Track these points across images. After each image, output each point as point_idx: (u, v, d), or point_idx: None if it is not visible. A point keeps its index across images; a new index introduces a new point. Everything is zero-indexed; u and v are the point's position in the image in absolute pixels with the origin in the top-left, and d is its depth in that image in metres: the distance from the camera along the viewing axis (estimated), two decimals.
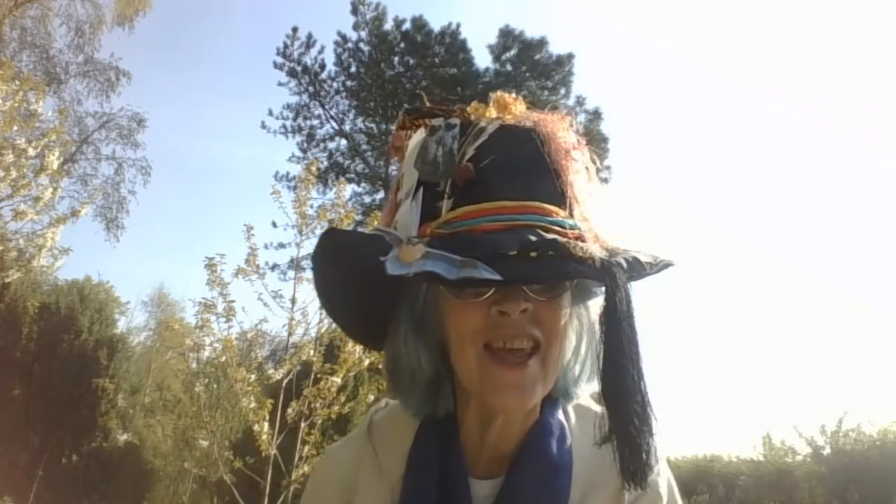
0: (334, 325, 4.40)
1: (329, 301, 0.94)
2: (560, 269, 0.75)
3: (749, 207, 34.95)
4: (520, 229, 0.76)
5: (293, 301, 6.08)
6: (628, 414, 0.76)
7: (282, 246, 14.02)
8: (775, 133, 34.64)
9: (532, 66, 19.00)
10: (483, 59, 19.43)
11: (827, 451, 13.31)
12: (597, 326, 0.86)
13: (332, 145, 20.35)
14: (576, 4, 33.69)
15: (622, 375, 0.76)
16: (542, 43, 19.02)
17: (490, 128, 0.84)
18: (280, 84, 19.66)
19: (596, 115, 18.61)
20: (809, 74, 34.63)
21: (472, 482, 0.86)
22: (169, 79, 38.61)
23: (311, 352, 6.05)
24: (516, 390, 0.79)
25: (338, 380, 5.81)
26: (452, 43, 19.16)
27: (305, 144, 19.96)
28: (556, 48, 19.13)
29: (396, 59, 19.55)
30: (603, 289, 0.81)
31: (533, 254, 0.74)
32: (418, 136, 0.87)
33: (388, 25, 19.35)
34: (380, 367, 3.62)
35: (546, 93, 18.44)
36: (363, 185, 20.19)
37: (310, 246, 6.10)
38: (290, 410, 5.78)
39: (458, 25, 19.15)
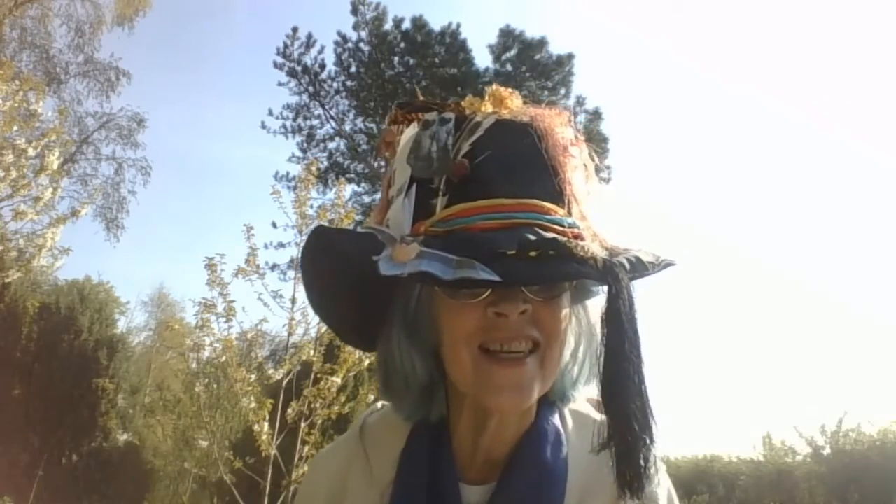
0: None
1: (318, 300, 0.91)
2: (561, 269, 0.73)
3: (748, 208, 34.98)
4: (518, 228, 0.74)
5: (293, 301, 6.07)
6: (627, 419, 0.73)
7: (282, 246, 13.98)
8: (775, 133, 34.68)
9: (532, 66, 18.99)
10: (483, 59, 19.44)
11: (827, 451, 13.31)
12: (596, 328, 0.83)
13: (332, 145, 20.35)
14: (576, 4, 33.71)
15: (623, 379, 0.73)
16: (542, 43, 19.02)
17: (486, 123, 0.81)
18: (280, 84, 19.67)
19: (596, 115, 18.61)
20: (809, 74, 34.66)
21: (464, 488, 0.83)
22: (169, 79, 38.68)
23: (311, 352, 6.04)
24: (513, 389, 0.77)
25: (338, 380, 5.80)
26: (452, 43, 19.14)
27: (305, 144, 19.97)
28: (556, 48, 19.13)
29: (396, 59, 19.53)
30: (601, 288, 0.79)
31: (532, 253, 0.71)
32: (411, 130, 0.84)
33: (388, 25, 19.34)
34: None
35: (546, 93, 18.39)
36: (363, 185, 20.18)
37: None
38: (290, 410, 5.77)
39: (458, 25, 19.15)
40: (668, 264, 0.81)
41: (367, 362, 5.88)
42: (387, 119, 0.89)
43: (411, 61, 19.41)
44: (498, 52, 19.16)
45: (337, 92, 20.06)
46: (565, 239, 0.74)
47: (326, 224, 6.19)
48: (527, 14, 40.12)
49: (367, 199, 19.33)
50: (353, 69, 19.77)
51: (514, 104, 0.85)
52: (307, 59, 19.58)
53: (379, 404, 0.99)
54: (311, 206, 6.69)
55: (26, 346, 13.27)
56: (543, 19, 40.89)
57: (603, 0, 32.78)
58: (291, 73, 19.55)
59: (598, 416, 0.86)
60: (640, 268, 0.77)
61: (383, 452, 0.89)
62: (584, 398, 0.91)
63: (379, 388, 0.90)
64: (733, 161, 36.24)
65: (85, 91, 18.57)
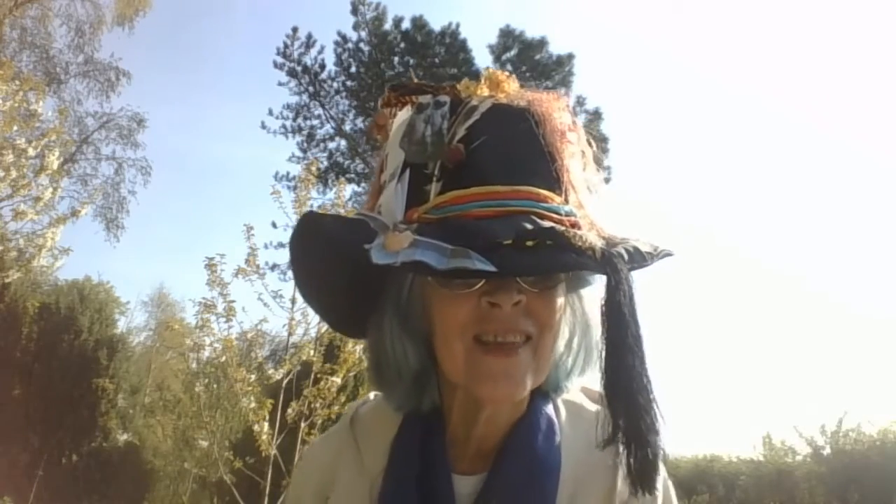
0: None
1: (307, 288, 0.90)
2: (559, 259, 0.71)
3: (748, 207, 34.94)
4: (514, 216, 0.72)
5: (293, 301, 6.04)
6: (636, 412, 0.70)
7: (282, 246, 13.98)
8: (775, 133, 34.65)
9: (532, 66, 18.98)
10: (483, 59, 19.42)
11: (827, 451, 13.28)
12: (590, 317, 0.82)
13: (332, 145, 20.33)
14: (576, 4, 33.72)
15: (627, 371, 0.71)
16: (542, 43, 19.05)
17: (482, 107, 0.79)
18: (280, 84, 19.65)
19: (596, 115, 18.61)
20: (809, 74, 34.63)
21: (456, 478, 0.82)
22: (169, 79, 38.68)
23: (311, 352, 6.02)
24: (506, 379, 0.75)
25: (338, 380, 5.78)
26: (452, 43, 19.16)
27: (305, 144, 19.96)
28: (556, 48, 19.14)
29: (396, 59, 19.53)
30: (597, 277, 0.78)
31: (529, 243, 0.69)
32: (404, 114, 0.82)
33: (388, 25, 19.35)
34: None
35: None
36: (363, 185, 20.15)
37: None
38: (290, 410, 5.75)
39: (458, 25, 19.17)
40: (667, 254, 0.79)
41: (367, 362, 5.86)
42: (380, 102, 0.86)
43: (411, 61, 19.40)
44: (498, 52, 19.17)
45: (337, 92, 20.07)
46: (563, 228, 0.72)
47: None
48: (527, 14, 40.07)
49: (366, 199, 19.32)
50: (353, 69, 19.78)
51: (510, 88, 0.83)
52: (307, 59, 19.59)
53: (371, 395, 0.98)
54: (312, 206, 6.70)
55: (26, 346, 13.28)
56: (543, 19, 40.91)
57: (603, 0, 32.80)
58: (291, 73, 19.56)
59: (593, 407, 0.86)
60: (638, 258, 0.76)
61: (374, 443, 0.88)
62: (579, 388, 0.89)
63: (370, 377, 0.88)
64: (733, 161, 36.26)
65: (85, 91, 18.59)
